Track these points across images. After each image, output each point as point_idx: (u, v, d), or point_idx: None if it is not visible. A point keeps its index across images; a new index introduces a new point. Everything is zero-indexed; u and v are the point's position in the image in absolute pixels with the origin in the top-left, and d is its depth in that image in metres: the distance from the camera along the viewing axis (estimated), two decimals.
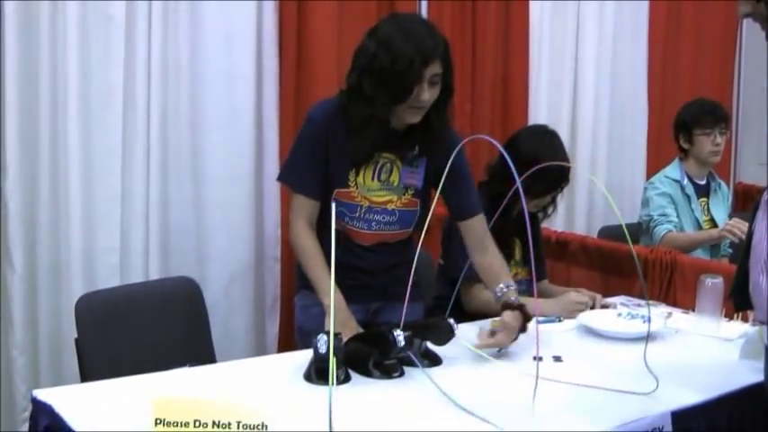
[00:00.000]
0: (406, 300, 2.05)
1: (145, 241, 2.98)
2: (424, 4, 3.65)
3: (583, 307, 2.63)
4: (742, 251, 1.89)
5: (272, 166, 3.21)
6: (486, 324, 2.32)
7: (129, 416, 1.70)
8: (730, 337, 2.44)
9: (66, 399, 1.79)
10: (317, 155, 2.29)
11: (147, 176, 2.98)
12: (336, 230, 2.25)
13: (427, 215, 2.23)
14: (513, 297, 2.27)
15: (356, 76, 2.21)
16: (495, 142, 1.89)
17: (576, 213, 4.26)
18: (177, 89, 3.05)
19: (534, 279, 2.19)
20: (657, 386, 1.92)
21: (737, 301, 1.96)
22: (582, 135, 4.28)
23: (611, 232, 3.65)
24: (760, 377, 1.85)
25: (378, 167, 2.31)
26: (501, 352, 2.19)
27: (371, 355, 2.01)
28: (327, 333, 1.88)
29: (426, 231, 2.15)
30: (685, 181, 3.58)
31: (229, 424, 1.48)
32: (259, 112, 3.20)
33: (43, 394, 1.81)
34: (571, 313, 2.59)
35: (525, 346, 2.20)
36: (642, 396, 1.91)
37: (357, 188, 2.31)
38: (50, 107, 2.80)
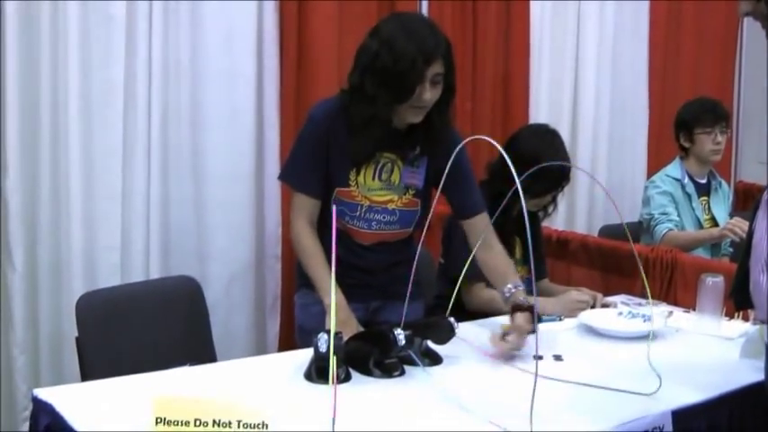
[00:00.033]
0: (407, 299, 2.05)
1: (145, 240, 2.98)
2: (424, 4, 3.65)
3: (584, 306, 2.63)
4: (742, 250, 1.89)
5: (273, 166, 3.21)
6: (497, 327, 2.31)
7: (129, 415, 1.70)
8: (731, 336, 2.43)
9: (66, 398, 1.79)
10: (317, 154, 2.29)
11: (148, 175, 2.98)
12: (337, 229, 2.25)
13: (428, 215, 2.24)
14: (522, 297, 2.26)
15: (358, 76, 2.21)
16: (495, 143, 1.89)
17: (576, 212, 4.26)
18: (178, 88, 3.05)
19: (534, 278, 2.19)
20: (660, 386, 1.92)
21: (738, 300, 1.96)
22: (582, 134, 4.28)
23: (611, 231, 3.65)
24: (761, 376, 1.85)
25: (378, 167, 2.31)
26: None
27: (372, 354, 2.01)
28: (328, 332, 1.88)
29: (427, 230, 2.15)
30: (686, 180, 3.58)
31: (230, 423, 1.48)
32: (260, 112, 3.21)
33: (44, 393, 1.81)
34: (572, 312, 2.59)
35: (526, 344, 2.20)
36: (642, 395, 1.91)
37: (357, 187, 2.31)
38: (51, 106, 2.80)
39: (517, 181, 1.68)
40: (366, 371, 2.01)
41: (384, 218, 2.34)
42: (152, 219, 3.00)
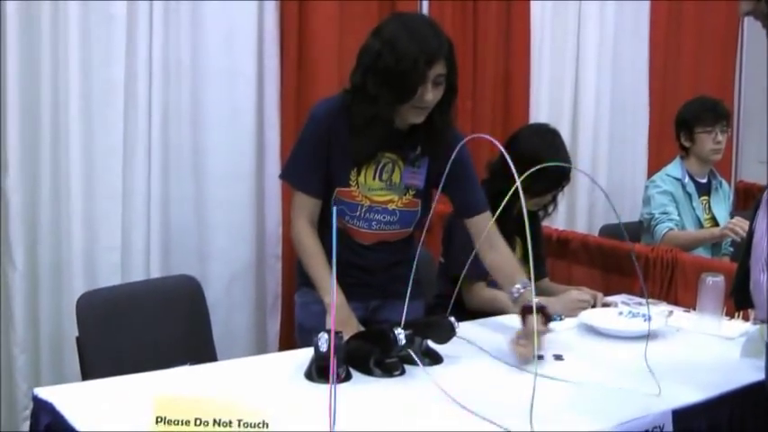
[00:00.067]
0: (407, 298, 2.05)
1: (146, 240, 2.99)
2: (425, 4, 3.65)
3: (584, 305, 2.63)
4: (743, 250, 1.89)
5: (274, 165, 3.22)
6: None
7: (129, 414, 1.70)
8: (731, 336, 2.44)
9: (67, 397, 1.79)
10: (318, 153, 2.29)
11: (149, 175, 2.98)
12: (337, 229, 2.25)
13: (428, 215, 2.23)
14: (530, 298, 2.23)
15: (360, 75, 2.21)
16: (495, 142, 1.89)
17: (577, 212, 4.26)
18: (178, 88, 3.05)
19: (533, 278, 2.18)
20: (660, 391, 1.92)
21: (738, 300, 1.96)
22: (583, 133, 4.29)
23: (612, 231, 3.65)
24: (761, 376, 1.85)
25: (379, 167, 2.31)
26: (503, 350, 2.19)
27: (372, 354, 2.01)
28: (328, 331, 1.88)
29: (427, 229, 2.15)
30: (686, 179, 3.58)
31: (230, 422, 1.48)
32: (260, 112, 3.21)
33: (44, 392, 1.81)
34: (573, 312, 2.59)
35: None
36: (643, 394, 1.91)
37: (358, 187, 2.30)
38: (52, 106, 2.80)
39: (518, 180, 1.68)
40: (366, 370, 2.01)
41: (384, 218, 2.34)
42: (152, 218, 3.00)
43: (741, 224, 3.13)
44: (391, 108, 2.20)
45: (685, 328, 2.53)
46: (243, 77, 3.14)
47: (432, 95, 2.17)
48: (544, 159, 2.36)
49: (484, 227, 2.35)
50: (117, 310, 2.40)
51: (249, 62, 3.15)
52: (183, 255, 3.11)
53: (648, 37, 4.51)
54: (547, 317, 2.20)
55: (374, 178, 2.31)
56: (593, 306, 2.66)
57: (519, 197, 1.75)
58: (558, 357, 2.22)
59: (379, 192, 2.32)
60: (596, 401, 1.90)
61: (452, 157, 1.97)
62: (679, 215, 3.51)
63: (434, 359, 2.12)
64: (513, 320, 2.31)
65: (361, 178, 2.30)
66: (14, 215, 2.74)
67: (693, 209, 3.56)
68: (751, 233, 1.81)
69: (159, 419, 1.48)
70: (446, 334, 2.11)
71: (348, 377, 1.98)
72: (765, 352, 1.78)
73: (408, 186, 2.35)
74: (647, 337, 2.16)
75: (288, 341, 3.14)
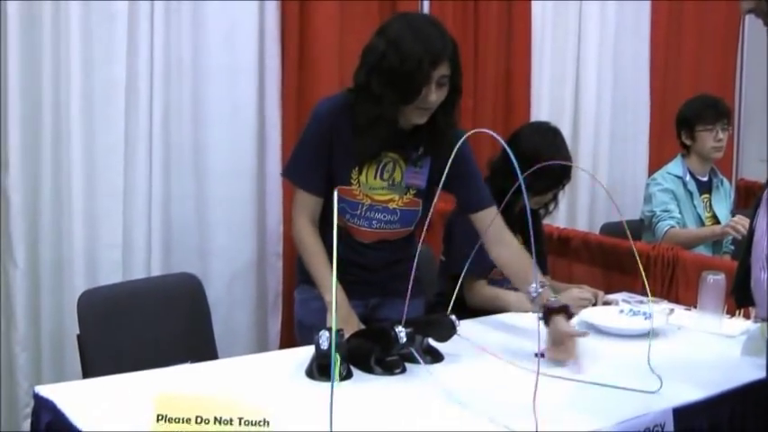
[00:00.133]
0: (408, 296, 2.04)
1: (147, 237, 2.99)
2: (426, 4, 3.65)
3: (586, 303, 2.63)
4: (743, 248, 1.89)
5: (275, 164, 3.22)
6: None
7: (130, 412, 1.70)
8: (732, 334, 2.43)
9: (67, 395, 1.79)
10: (320, 151, 2.28)
11: (150, 173, 2.98)
12: (338, 227, 2.25)
13: (429, 214, 2.23)
14: (552, 297, 2.22)
15: (364, 75, 2.20)
16: (497, 136, 1.89)
17: (578, 210, 4.26)
18: (179, 87, 3.05)
19: (536, 277, 2.18)
20: (661, 386, 1.92)
21: (739, 298, 1.96)
22: (584, 130, 4.29)
23: (612, 229, 3.65)
24: (762, 374, 1.85)
25: (381, 166, 2.30)
26: (502, 349, 2.19)
27: (373, 352, 2.01)
28: (329, 329, 1.88)
29: (428, 228, 2.14)
30: (687, 177, 3.58)
31: (231, 420, 1.47)
32: (261, 110, 3.21)
33: (45, 390, 1.81)
34: (574, 310, 2.59)
35: (527, 342, 2.20)
36: (643, 393, 1.91)
37: (359, 186, 2.30)
38: (53, 104, 2.80)
39: (520, 178, 1.68)
40: (367, 368, 2.01)
41: (385, 217, 2.34)
42: (153, 216, 3.01)
43: (742, 222, 3.13)
44: (395, 108, 2.19)
45: (686, 327, 2.53)
46: (244, 76, 3.14)
47: (435, 96, 2.16)
48: (545, 158, 2.37)
49: (489, 222, 2.34)
50: (118, 307, 2.40)
51: (250, 61, 3.15)
52: (184, 253, 3.11)
53: (649, 36, 4.51)
54: (570, 316, 2.19)
55: (375, 177, 2.31)
56: (594, 304, 2.66)
57: (521, 195, 1.75)
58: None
59: (380, 191, 2.32)
60: (597, 400, 1.90)
61: (453, 154, 1.96)
62: (680, 213, 3.50)
63: (435, 357, 2.12)
64: (513, 319, 2.32)
65: (363, 177, 2.30)
66: (15, 213, 2.74)
67: (694, 207, 3.56)
68: (752, 231, 1.81)
69: (160, 417, 1.48)
70: (447, 332, 2.11)
71: (349, 375, 1.98)
72: (766, 350, 1.78)
73: (409, 186, 2.34)
74: (650, 335, 2.16)
75: (289, 339, 3.14)
